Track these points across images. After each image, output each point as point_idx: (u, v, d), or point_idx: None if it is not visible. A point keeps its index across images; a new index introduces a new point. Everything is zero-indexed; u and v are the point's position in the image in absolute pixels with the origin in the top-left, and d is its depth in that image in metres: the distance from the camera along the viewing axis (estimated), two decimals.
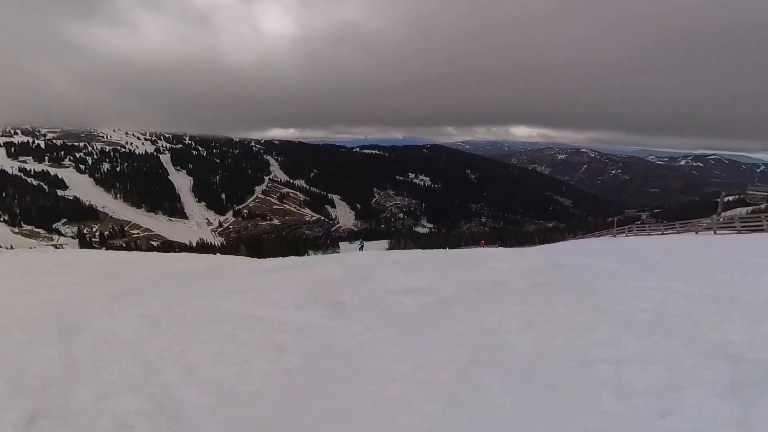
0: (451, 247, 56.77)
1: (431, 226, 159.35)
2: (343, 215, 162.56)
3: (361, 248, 28.20)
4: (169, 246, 77.46)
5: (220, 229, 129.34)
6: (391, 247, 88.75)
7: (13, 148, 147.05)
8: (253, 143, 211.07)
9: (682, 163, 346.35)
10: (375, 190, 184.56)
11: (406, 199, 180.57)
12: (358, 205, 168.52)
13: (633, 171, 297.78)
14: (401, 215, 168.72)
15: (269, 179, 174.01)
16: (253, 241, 74.45)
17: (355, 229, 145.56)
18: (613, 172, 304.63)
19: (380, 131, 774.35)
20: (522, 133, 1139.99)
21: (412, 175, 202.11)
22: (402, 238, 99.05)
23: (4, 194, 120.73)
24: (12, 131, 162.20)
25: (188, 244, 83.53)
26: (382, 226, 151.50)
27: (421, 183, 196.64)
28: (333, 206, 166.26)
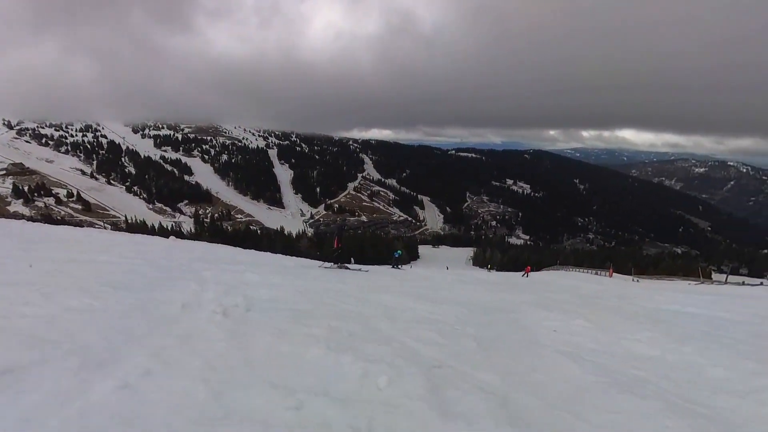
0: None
1: (527, 237, 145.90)
2: (431, 217, 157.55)
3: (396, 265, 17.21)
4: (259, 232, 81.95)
5: (311, 221, 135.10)
6: (476, 257, 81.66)
7: (158, 140, 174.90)
8: (351, 142, 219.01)
9: None
10: (468, 194, 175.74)
11: (501, 206, 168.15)
12: (448, 208, 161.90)
13: None
14: (494, 223, 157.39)
15: (362, 176, 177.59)
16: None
17: (442, 233, 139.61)
18: None
19: (475, 135, 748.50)
20: (642, 139, 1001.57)
21: (510, 182, 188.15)
22: (490, 248, 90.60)
23: (146, 176, 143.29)
24: (160, 125, 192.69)
25: (278, 230, 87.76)
26: (472, 232, 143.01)
27: (520, 190, 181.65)
28: (422, 207, 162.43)
